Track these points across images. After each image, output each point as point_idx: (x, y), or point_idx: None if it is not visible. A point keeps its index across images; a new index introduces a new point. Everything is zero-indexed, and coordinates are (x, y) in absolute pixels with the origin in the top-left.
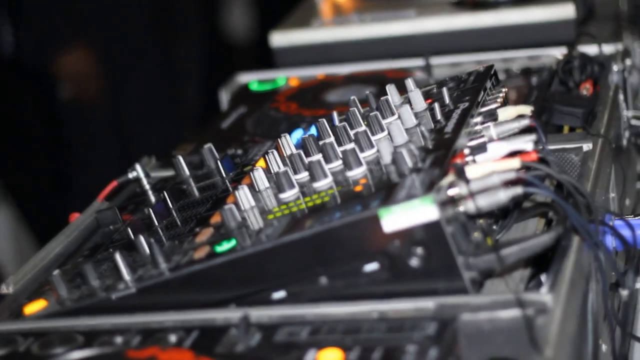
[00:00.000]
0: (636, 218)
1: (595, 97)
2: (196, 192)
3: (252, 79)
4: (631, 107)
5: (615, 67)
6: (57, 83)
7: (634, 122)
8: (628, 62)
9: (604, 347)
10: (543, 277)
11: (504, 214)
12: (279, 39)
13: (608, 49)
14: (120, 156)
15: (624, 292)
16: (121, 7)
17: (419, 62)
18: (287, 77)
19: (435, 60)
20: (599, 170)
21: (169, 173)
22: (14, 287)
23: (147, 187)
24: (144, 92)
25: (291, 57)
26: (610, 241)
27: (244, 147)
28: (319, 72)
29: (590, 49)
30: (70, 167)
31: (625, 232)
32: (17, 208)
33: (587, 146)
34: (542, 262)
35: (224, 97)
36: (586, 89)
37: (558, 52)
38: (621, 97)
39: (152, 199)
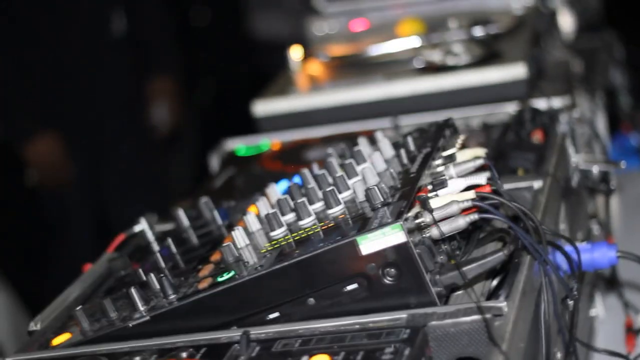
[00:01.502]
0: (583, 244)
1: (545, 144)
2: (196, 239)
3: (238, 144)
4: (581, 153)
5: (563, 118)
6: (29, 170)
7: (582, 166)
8: (575, 114)
9: (558, 355)
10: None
11: (466, 239)
12: (261, 107)
13: (557, 102)
14: (97, 236)
15: (571, 303)
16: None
17: (388, 123)
18: (269, 141)
19: (403, 121)
20: (548, 204)
21: (169, 226)
22: (41, 325)
23: (152, 237)
24: (121, 172)
25: (273, 123)
26: (560, 261)
27: (236, 200)
28: (298, 135)
29: (542, 104)
30: (49, 246)
31: (574, 257)
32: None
33: (537, 184)
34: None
35: (214, 162)
36: (536, 138)
37: (512, 108)
38: (569, 144)
39: (157, 247)
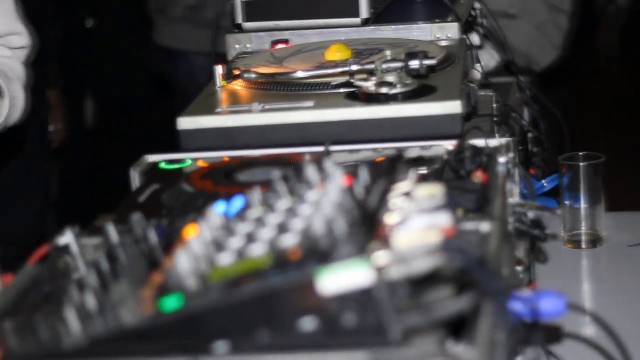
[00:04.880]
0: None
1: (487, 184)
2: (127, 257)
3: (159, 160)
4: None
5: (501, 159)
6: None
7: (517, 209)
8: (511, 155)
9: None
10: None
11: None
12: (186, 123)
13: (493, 142)
14: None
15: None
16: None
17: (318, 149)
18: (192, 160)
19: (334, 148)
20: (499, 249)
21: (96, 241)
22: None
23: (78, 252)
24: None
25: (197, 141)
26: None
27: (167, 218)
28: (223, 155)
29: (479, 142)
30: None
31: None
32: None
33: (484, 227)
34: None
35: (135, 177)
36: (478, 177)
37: (448, 144)
38: (508, 186)
39: (84, 263)
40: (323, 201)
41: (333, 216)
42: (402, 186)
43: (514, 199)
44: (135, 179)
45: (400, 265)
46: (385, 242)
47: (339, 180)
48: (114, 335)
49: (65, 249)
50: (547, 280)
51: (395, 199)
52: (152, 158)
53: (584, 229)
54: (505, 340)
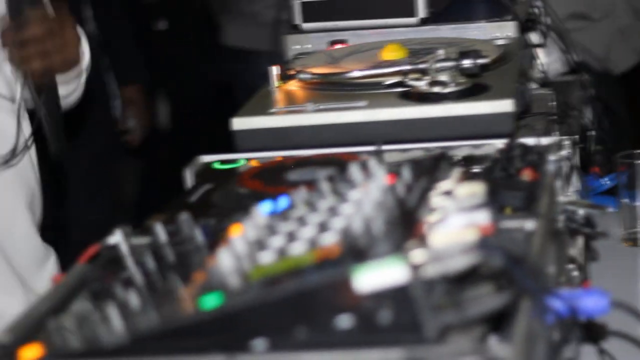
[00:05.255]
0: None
1: (535, 182)
2: (175, 256)
3: (213, 160)
4: (564, 194)
5: (551, 157)
6: None
7: (568, 207)
8: (563, 152)
9: None
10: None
11: (465, 278)
12: (240, 123)
13: (545, 140)
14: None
15: (567, 353)
16: None
17: (370, 149)
18: (246, 160)
19: (386, 147)
20: (542, 247)
21: (145, 240)
22: (11, 336)
23: (127, 251)
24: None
25: (250, 141)
26: (557, 307)
27: (215, 218)
28: (276, 155)
29: (530, 140)
30: None
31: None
32: None
33: (529, 225)
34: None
35: (189, 177)
36: (527, 175)
37: (499, 143)
38: (558, 184)
39: (132, 262)
40: (364, 200)
41: (372, 215)
42: (444, 185)
43: (566, 196)
44: (189, 179)
45: (436, 263)
46: (422, 240)
47: (381, 179)
48: (154, 333)
49: (115, 249)
50: (604, 279)
51: (436, 197)
52: (205, 158)
53: None
54: (545, 338)
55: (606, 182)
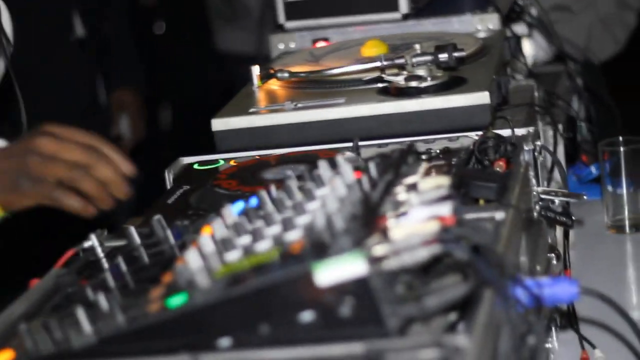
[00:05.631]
0: (544, 278)
1: (508, 173)
2: (147, 258)
3: (194, 162)
4: (546, 182)
5: (526, 147)
6: None
7: (544, 196)
8: (538, 142)
9: None
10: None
11: (426, 270)
12: (220, 124)
13: (520, 131)
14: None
15: (531, 340)
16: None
17: (348, 145)
18: (225, 160)
19: (364, 143)
20: (510, 237)
21: (120, 243)
22: None
23: (101, 255)
24: None
25: (230, 142)
26: (522, 297)
27: (189, 219)
28: (255, 155)
29: (505, 132)
30: None
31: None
32: None
33: (499, 215)
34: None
35: (169, 178)
36: (500, 166)
37: (475, 135)
38: (532, 174)
39: (106, 265)
40: (329, 197)
41: (336, 211)
42: (409, 178)
43: (542, 186)
44: (169, 180)
45: (397, 256)
46: (384, 234)
47: (348, 175)
48: (122, 335)
49: (90, 253)
50: (589, 267)
51: (400, 191)
52: (186, 160)
53: (626, 213)
54: (510, 328)
55: (593, 171)
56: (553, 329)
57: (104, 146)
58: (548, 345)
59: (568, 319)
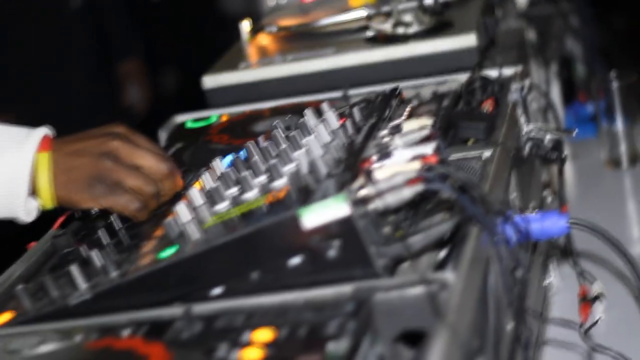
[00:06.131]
0: (533, 214)
1: (496, 113)
2: None
3: (187, 119)
4: (533, 122)
5: (514, 87)
6: None
7: (534, 134)
8: (527, 81)
9: (509, 326)
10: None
11: (413, 210)
12: (211, 81)
13: (508, 71)
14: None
15: (519, 274)
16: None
17: (338, 94)
18: (218, 116)
19: (354, 93)
20: (497, 174)
21: None
22: None
23: (95, 214)
24: None
25: (222, 97)
26: (510, 232)
27: (184, 175)
28: (248, 109)
29: (493, 73)
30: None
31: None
32: None
33: (486, 154)
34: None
35: (162, 137)
36: (487, 107)
37: (463, 78)
38: (520, 112)
39: (100, 225)
40: (314, 143)
41: (321, 157)
42: (393, 121)
43: (530, 124)
44: (163, 139)
45: (380, 197)
46: (368, 177)
47: (332, 121)
48: (116, 290)
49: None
50: (589, 203)
51: (384, 134)
52: (180, 118)
53: (623, 148)
54: (498, 263)
55: (589, 108)
56: (552, 264)
57: (169, 158)
58: (548, 281)
59: (565, 253)
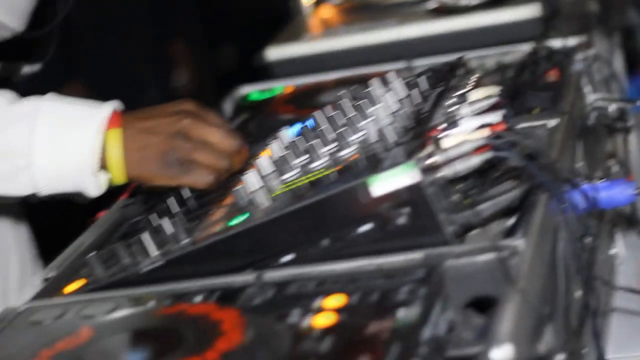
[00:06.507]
0: (600, 181)
1: (561, 82)
2: None
3: (251, 91)
4: (597, 91)
5: (579, 57)
6: None
7: (599, 104)
8: (591, 51)
9: (577, 294)
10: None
11: (480, 178)
12: (274, 52)
13: (572, 41)
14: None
15: (588, 240)
16: (119, 41)
17: (402, 65)
18: (283, 87)
19: (417, 63)
20: (564, 142)
21: None
22: (55, 272)
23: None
24: None
25: (285, 69)
26: (579, 200)
27: (251, 145)
28: (312, 80)
29: (557, 43)
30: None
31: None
32: None
33: (552, 123)
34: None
35: (228, 108)
36: (552, 76)
37: (526, 48)
38: (585, 82)
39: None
40: (381, 112)
41: (389, 125)
42: (460, 90)
43: (595, 94)
44: (228, 111)
45: (449, 165)
46: (436, 145)
47: (399, 91)
48: (187, 257)
49: None
50: None
51: (451, 103)
52: (243, 89)
53: None
54: (566, 231)
55: None
56: (617, 234)
57: (238, 134)
58: (613, 251)
59: (631, 223)
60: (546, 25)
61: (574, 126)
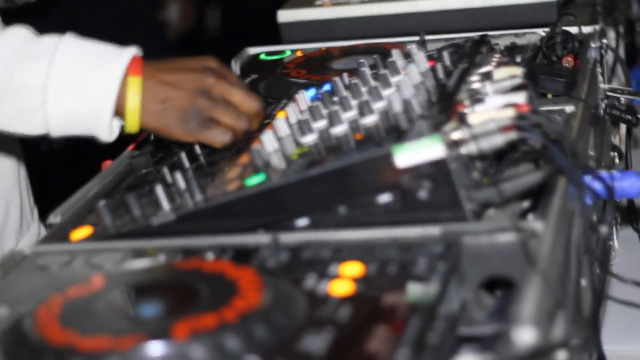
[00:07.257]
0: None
1: (577, 69)
2: None
3: (260, 52)
4: (607, 82)
5: (593, 44)
6: None
7: (610, 94)
8: (605, 41)
9: (583, 282)
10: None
11: (501, 159)
12: (286, 15)
13: (587, 29)
14: None
15: (603, 229)
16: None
17: (414, 39)
18: (292, 51)
19: (429, 38)
20: (581, 129)
21: None
22: (61, 217)
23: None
24: None
25: (296, 33)
26: (594, 187)
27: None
28: (321, 47)
29: (571, 29)
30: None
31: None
32: None
33: (569, 108)
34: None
35: (236, 68)
36: (568, 62)
37: (541, 31)
38: (599, 70)
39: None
40: (404, 83)
41: (412, 97)
42: (483, 68)
43: (607, 84)
44: (236, 70)
45: (474, 141)
46: (461, 120)
47: (422, 63)
48: (200, 213)
49: None
50: None
51: (475, 80)
52: (252, 50)
53: None
54: (582, 216)
55: None
56: (613, 226)
57: (258, 96)
58: (611, 242)
59: (628, 215)
60: (562, 10)
61: (589, 114)
